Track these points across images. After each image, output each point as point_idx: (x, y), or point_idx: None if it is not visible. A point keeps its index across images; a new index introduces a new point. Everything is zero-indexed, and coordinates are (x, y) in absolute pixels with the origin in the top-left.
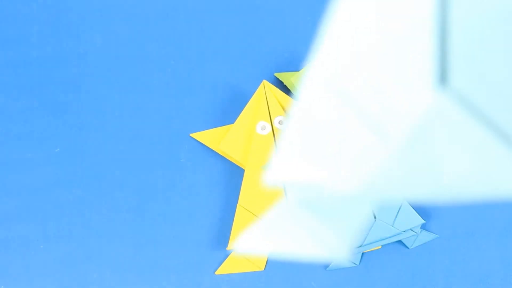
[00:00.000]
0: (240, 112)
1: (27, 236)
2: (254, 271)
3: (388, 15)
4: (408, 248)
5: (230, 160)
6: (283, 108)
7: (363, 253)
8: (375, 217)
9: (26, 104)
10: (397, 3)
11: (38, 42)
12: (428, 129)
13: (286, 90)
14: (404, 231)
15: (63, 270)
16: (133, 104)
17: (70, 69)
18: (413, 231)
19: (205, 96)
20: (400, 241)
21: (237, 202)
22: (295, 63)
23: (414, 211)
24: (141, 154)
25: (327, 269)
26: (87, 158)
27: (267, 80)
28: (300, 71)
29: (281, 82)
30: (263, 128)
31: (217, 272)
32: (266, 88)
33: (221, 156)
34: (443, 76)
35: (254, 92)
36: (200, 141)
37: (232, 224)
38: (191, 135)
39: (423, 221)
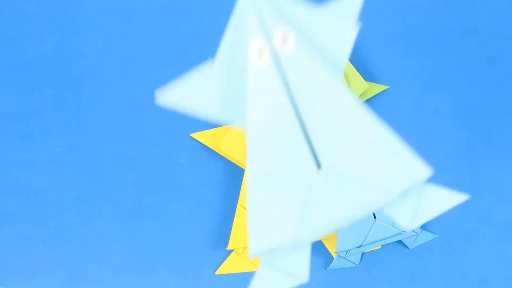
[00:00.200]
0: None
1: (27, 236)
2: (254, 271)
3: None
4: (408, 248)
5: (230, 160)
6: None
7: (363, 253)
8: (375, 217)
9: (26, 104)
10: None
11: (38, 42)
12: None
13: None
14: (404, 231)
15: (63, 270)
16: (133, 104)
17: (70, 69)
18: (413, 231)
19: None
20: (400, 241)
21: (237, 202)
22: None
23: None
24: (141, 154)
25: (327, 269)
26: (87, 158)
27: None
28: None
29: None
30: None
31: (217, 272)
32: None
33: (221, 156)
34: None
35: None
36: (200, 141)
37: (232, 224)
38: (191, 135)
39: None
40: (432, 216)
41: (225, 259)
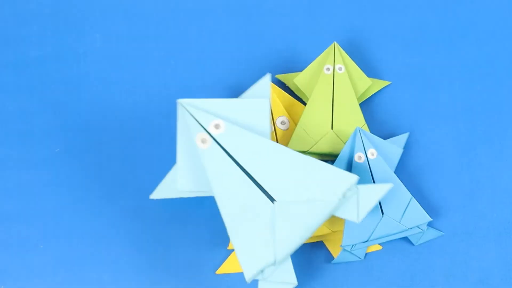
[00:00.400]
0: None
1: (27, 236)
2: None
3: None
4: (413, 244)
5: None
6: (285, 109)
7: (366, 252)
8: (382, 213)
9: (26, 104)
10: None
11: (38, 42)
12: None
13: (288, 91)
14: (410, 228)
15: (63, 270)
16: (133, 104)
17: (70, 69)
18: (420, 228)
19: (206, 97)
20: (404, 238)
21: None
22: (296, 64)
23: (422, 208)
24: (141, 154)
25: (332, 262)
26: (87, 158)
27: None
28: (302, 71)
29: (284, 84)
30: None
31: (217, 272)
32: None
33: None
34: None
35: None
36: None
37: None
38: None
39: (430, 219)
40: (371, 207)
41: (225, 259)
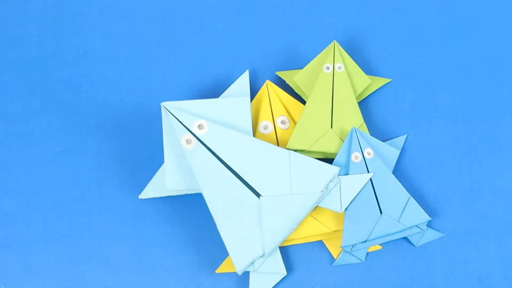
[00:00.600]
0: None
1: (27, 236)
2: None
3: None
4: (414, 245)
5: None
6: (285, 108)
7: (367, 253)
8: (381, 212)
9: (26, 104)
10: None
11: (38, 42)
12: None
13: (288, 88)
14: (410, 228)
15: (63, 270)
16: (133, 104)
17: (70, 69)
18: (419, 227)
19: (206, 97)
20: (404, 239)
21: None
22: (295, 62)
23: (420, 207)
24: (141, 154)
25: (333, 264)
26: (87, 158)
27: (268, 80)
28: (302, 69)
29: (283, 81)
30: (266, 127)
31: (217, 271)
32: (269, 88)
33: None
34: None
35: (256, 92)
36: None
37: None
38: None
39: (429, 218)
40: (352, 196)
41: (225, 258)
